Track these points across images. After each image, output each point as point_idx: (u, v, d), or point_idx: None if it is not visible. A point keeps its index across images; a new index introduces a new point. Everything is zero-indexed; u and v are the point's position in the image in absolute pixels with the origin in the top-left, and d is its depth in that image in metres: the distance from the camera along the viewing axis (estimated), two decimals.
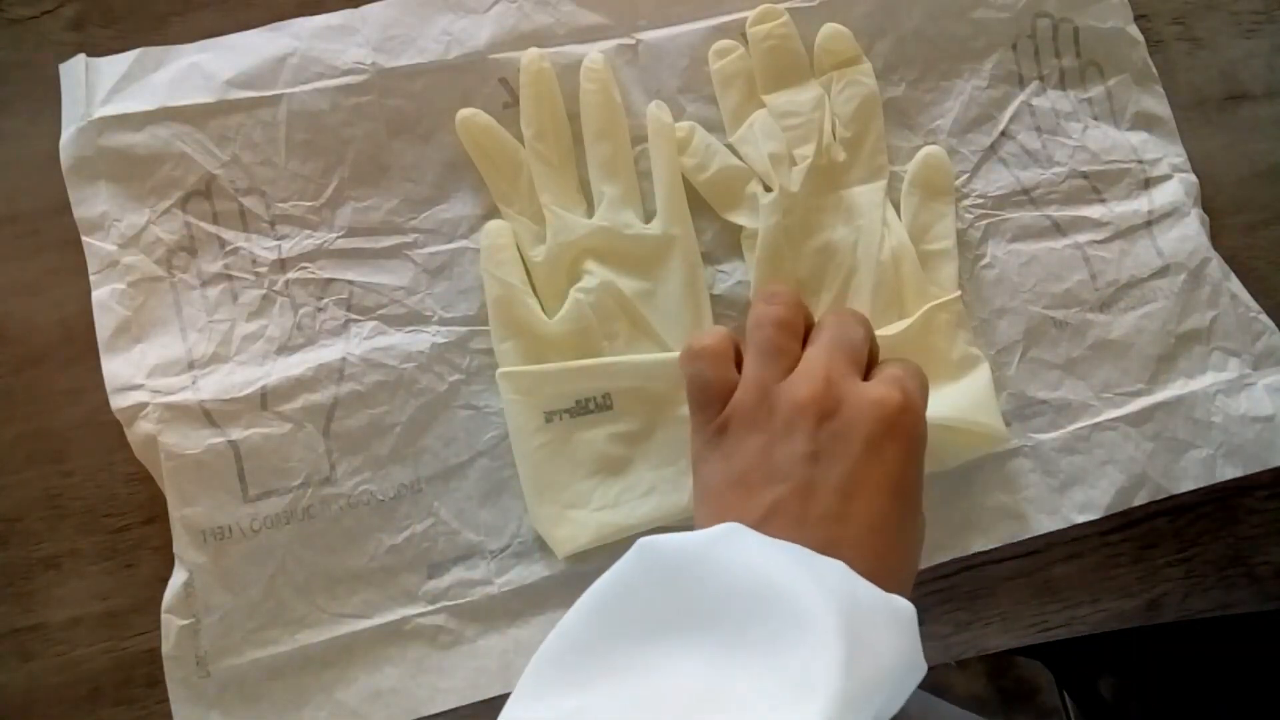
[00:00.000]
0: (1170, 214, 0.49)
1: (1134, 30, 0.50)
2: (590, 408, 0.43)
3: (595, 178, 0.45)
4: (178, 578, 0.41)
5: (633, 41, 0.47)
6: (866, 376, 0.37)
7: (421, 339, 0.44)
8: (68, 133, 0.43)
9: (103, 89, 0.43)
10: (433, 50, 0.45)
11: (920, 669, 0.31)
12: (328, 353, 0.43)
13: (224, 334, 0.43)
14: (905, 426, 0.35)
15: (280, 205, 0.44)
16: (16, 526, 0.43)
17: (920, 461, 0.36)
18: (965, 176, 0.48)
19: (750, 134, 0.46)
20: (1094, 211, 0.48)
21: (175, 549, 0.41)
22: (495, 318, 0.43)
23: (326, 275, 0.44)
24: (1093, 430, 0.46)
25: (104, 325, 0.42)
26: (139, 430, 0.41)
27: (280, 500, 0.42)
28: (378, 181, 0.45)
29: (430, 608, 0.42)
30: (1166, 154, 0.49)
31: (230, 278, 0.43)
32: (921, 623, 0.45)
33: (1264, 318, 0.48)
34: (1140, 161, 0.49)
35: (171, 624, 0.40)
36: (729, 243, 0.46)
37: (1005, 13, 0.49)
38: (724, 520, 0.33)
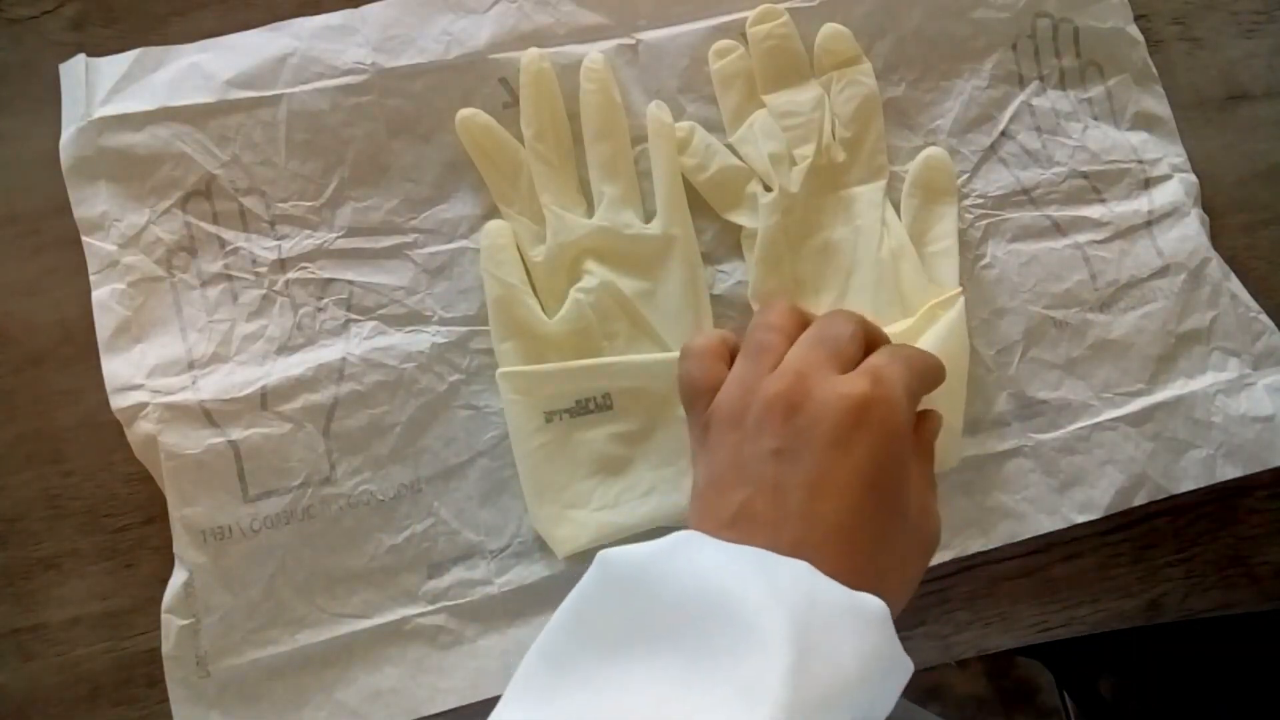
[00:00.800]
0: (1170, 214, 0.49)
1: (1134, 30, 0.50)
2: (590, 408, 0.43)
3: (595, 178, 0.45)
4: (178, 578, 0.41)
5: (633, 41, 0.47)
6: None
7: (421, 339, 0.44)
8: (68, 132, 0.43)
9: (103, 89, 0.43)
10: (433, 50, 0.45)
11: (903, 668, 0.30)
12: (328, 353, 0.43)
13: (224, 334, 0.43)
14: (876, 418, 0.33)
15: (280, 205, 0.44)
16: (16, 526, 0.43)
17: (900, 453, 0.34)
18: (965, 176, 0.48)
19: (750, 134, 0.46)
20: (1094, 211, 0.48)
21: (175, 549, 0.41)
22: (495, 318, 0.43)
23: (326, 275, 0.44)
24: (1093, 430, 0.46)
25: (104, 325, 0.42)
26: (139, 430, 0.41)
27: (280, 500, 0.42)
28: (378, 181, 0.45)
29: (430, 608, 0.42)
30: (1166, 154, 0.49)
31: (230, 278, 0.43)
32: (921, 623, 0.45)
33: (1264, 318, 0.48)
34: (1140, 161, 0.49)
35: (171, 624, 0.40)
36: (729, 243, 0.46)
37: (1005, 13, 0.49)
38: (700, 523, 0.32)
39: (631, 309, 0.44)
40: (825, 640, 0.28)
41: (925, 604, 0.45)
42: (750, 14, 0.47)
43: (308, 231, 0.44)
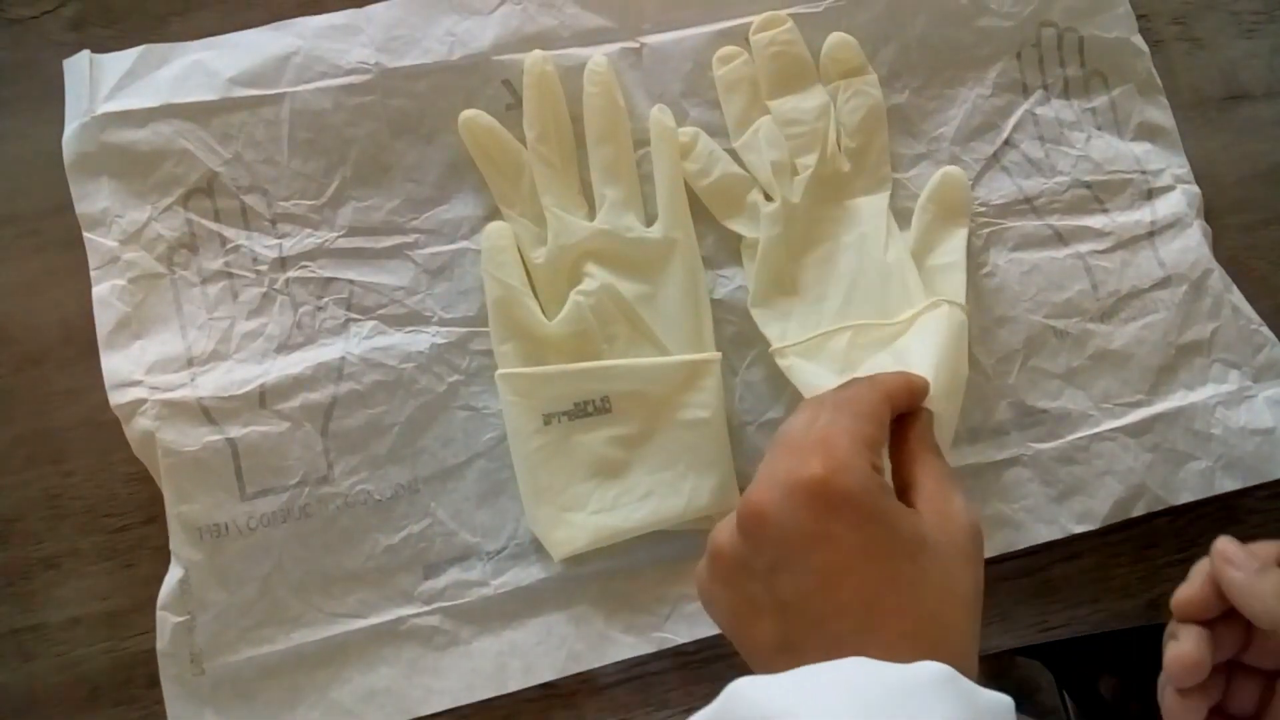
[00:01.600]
0: (1172, 225, 0.48)
1: (1139, 40, 0.50)
2: (589, 410, 0.43)
3: (597, 180, 0.45)
4: (173, 574, 0.41)
5: (636, 45, 0.47)
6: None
7: (421, 339, 0.44)
8: (70, 128, 0.43)
9: (106, 85, 0.43)
10: (436, 51, 0.45)
11: (1000, 708, 0.29)
12: (327, 352, 0.43)
13: (224, 331, 0.43)
14: (835, 495, 0.31)
15: (282, 204, 0.44)
16: (16, 526, 0.43)
17: (876, 506, 0.32)
18: (969, 186, 0.48)
19: (754, 140, 0.46)
20: (1096, 221, 0.48)
21: (171, 545, 0.41)
22: (495, 319, 0.43)
23: (327, 274, 0.44)
24: (1092, 440, 0.46)
25: (104, 321, 0.42)
26: (137, 427, 0.41)
27: (277, 499, 0.42)
28: (379, 181, 0.45)
29: (426, 608, 0.42)
30: (1169, 165, 0.49)
31: (231, 275, 0.43)
32: None
33: (1265, 330, 0.48)
34: (1143, 172, 0.49)
35: (166, 620, 0.40)
36: (730, 247, 0.46)
37: (1010, 21, 0.49)
38: (754, 666, 0.32)
39: (631, 312, 0.44)
40: None
41: None
42: (755, 20, 0.47)
43: (309, 230, 0.44)
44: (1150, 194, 0.49)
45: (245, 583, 0.41)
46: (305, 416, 0.42)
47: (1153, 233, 0.48)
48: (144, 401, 0.41)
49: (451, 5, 0.46)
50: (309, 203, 0.44)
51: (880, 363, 0.41)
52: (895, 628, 0.31)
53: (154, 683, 0.40)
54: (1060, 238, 0.48)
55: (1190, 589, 0.38)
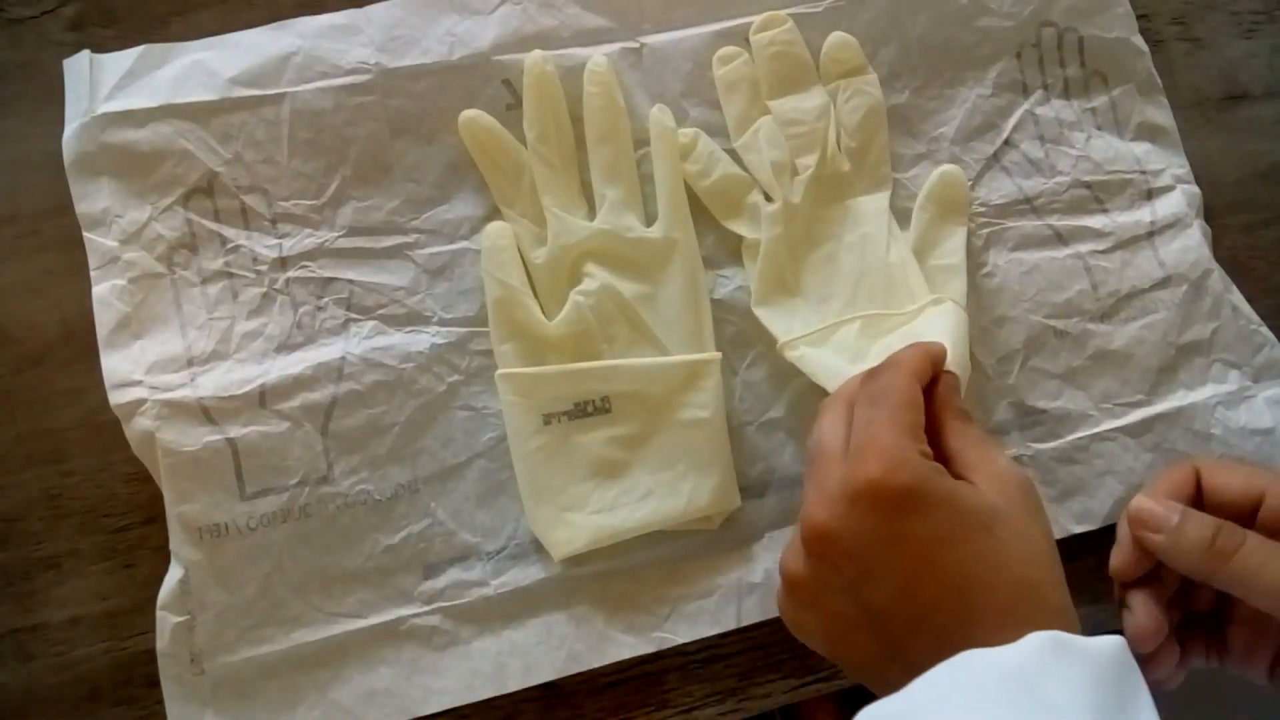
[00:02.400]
0: (1172, 225, 0.48)
1: (1139, 40, 0.50)
2: (589, 410, 0.43)
3: (597, 181, 0.45)
4: (173, 574, 0.41)
5: (637, 45, 0.47)
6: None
7: (421, 339, 0.44)
8: (71, 128, 0.43)
9: (106, 85, 0.43)
10: (436, 51, 0.45)
11: (1115, 652, 0.29)
12: (327, 352, 0.43)
13: (224, 331, 0.43)
14: (896, 493, 0.31)
15: (282, 204, 0.44)
16: (16, 526, 0.43)
17: (937, 490, 0.32)
18: (968, 184, 0.48)
19: (755, 141, 0.46)
20: (1096, 221, 0.48)
21: (171, 545, 0.41)
22: (495, 319, 0.43)
23: (327, 274, 0.44)
24: (1092, 440, 0.46)
25: (104, 321, 0.42)
26: (137, 427, 0.41)
27: (277, 499, 0.42)
28: (379, 181, 0.45)
29: (426, 608, 0.42)
30: (1169, 165, 0.49)
31: (231, 275, 0.43)
32: None
33: (1265, 330, 0.48)
34: (1143, 172, 0.49)
35: (166, 620, 0.40)
36: (730, 248, 0.46)
37: (1010, 21, 0.49)
38: (865, 681, 0.32)
39: (631, 312, 0.44)
40: (1033, 703, 0.27)
41: None
42: (755, 20, 0.47)
43: (309, 230, 0.44)
44: (1150, 194, 0.49)
45: (245, 583, 0.41)
46: (305, 416, 0.42)
47: (1153, 233, 0.48)
48: (144, 401, 0.41)
49: (451, 5, 0.46)
50: (309, 203, 0.44)
51: (891, 346, 0.41)
52: (992, 606, 0.30)
53: (154, 683, 0.40)
54: (1060, 238, 0.48)
55: (1121, 557, 0.39)
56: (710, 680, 0.44)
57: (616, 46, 0.46)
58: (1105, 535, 0.46)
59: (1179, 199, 0.49)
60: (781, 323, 0.44)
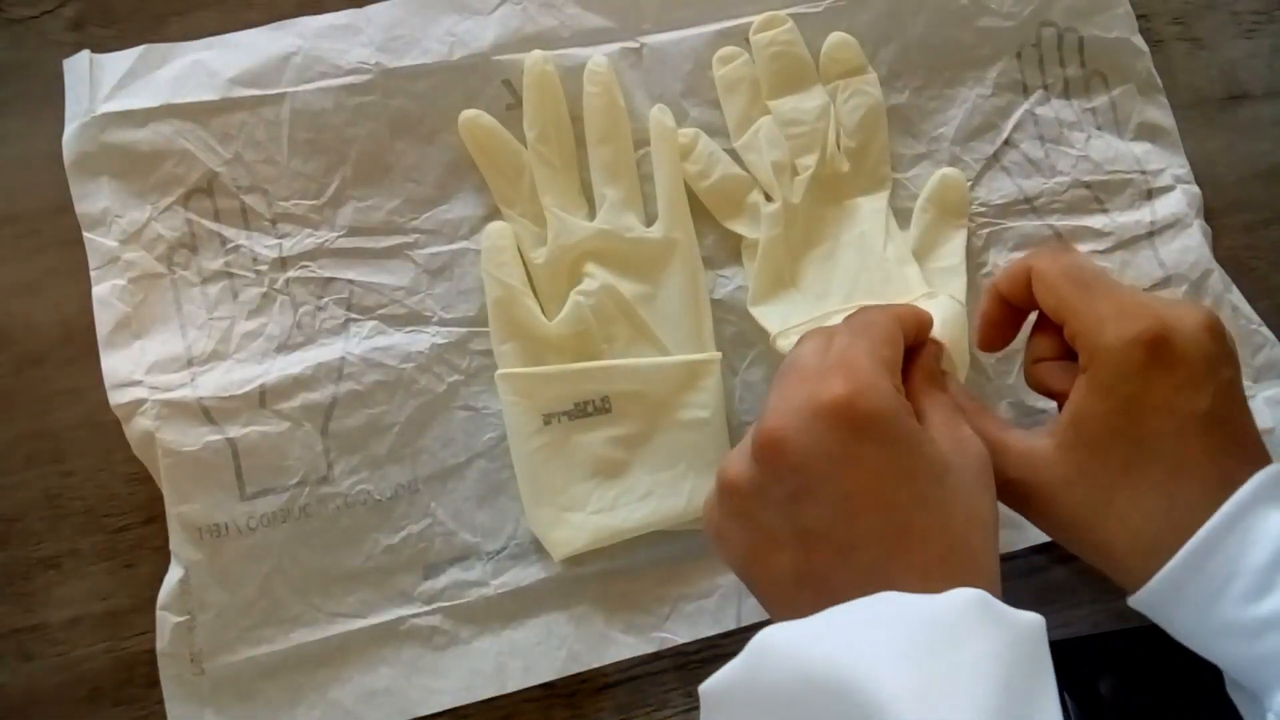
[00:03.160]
0: (1172, 225, 0.48)
1: (1139, 40, 0.50)
2: (589, 410, 0.43)
3: (597, 181, 0.45)
4: (173, 574, 0.41)
5: (637, 45, 0.47)
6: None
7: (421, 339, 0.44)
8: (71, 128, 0.43)
9: (106, 85, 0.43)
10: (437, 51, 0.45)
11: (1034, 626, 0.29)
12: (327, 352, 0.43)
13: (224, 331, 0.43)
14: (860, 415, 0.30)
15: (282, 204, 0.44)
16: (16, 526, 0.43)
17: (902, 427, 0.31)
18: (968, 185, 0.48)
19: (755, 141, 0.46)
20: (1096, 221, 0.48)
21: (171, 545, 0.41)
22: (495, 319, 0.43)
23: (327, 274, 0.44)
24: None
25: (104, 321, 0.42)
26: (137, 427, 0.41)
27: (277, 499, 0.42)
28: (380, 181, 0.45)
29: (426, 608, 0.42)
30: (1169, 165, 0.49)
31: (231, 275, 0.43)
32: None
33: (1265, 330, 0.48)
34: (1143, 172, 0.49)
35: (166, 620, 0.40)
36: (730, 247, 0.46)
37: (1010, 21, 0.49)
38: (767, 599, 0.31)
39: (631, 312, 0.44)
40: (942, 660, 0.26)
41: None
42: (755, 20, 0.47)
43: (309, 230, 0.44)
44: (1150, 194, 0.49)
45: (245, 583, 0.41)
46: (305, 416, 0.42)
47: (1153, 233, 0.48)
48: (144, 401, 0.41)
49: (451, 5, 0.46)
50: (309, 203, 0.44)
51: None
52: (926, 553, 0.30)
53: (154, 683, 0.40)
54: (1060, 238, 0.48)
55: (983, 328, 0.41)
56: None
57: (616, 46, 0.46)
58: None
59: (1179, 199, 0.49)
60: (777, 318, 0.44)
